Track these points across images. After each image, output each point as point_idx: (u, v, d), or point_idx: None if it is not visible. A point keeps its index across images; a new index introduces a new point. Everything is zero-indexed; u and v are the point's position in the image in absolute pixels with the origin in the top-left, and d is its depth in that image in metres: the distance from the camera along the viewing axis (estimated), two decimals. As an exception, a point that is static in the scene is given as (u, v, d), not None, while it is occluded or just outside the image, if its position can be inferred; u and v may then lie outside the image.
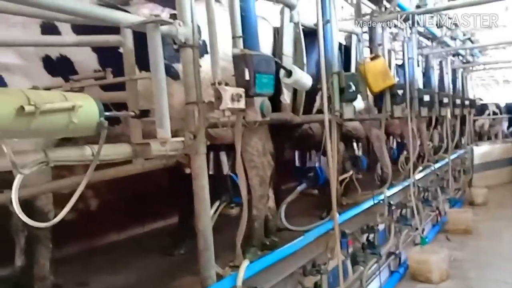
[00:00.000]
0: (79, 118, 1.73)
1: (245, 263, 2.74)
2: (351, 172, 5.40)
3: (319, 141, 4.84)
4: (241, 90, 2.41)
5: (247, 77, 2.45)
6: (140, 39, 2.45)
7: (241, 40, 2.64)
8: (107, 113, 1.89)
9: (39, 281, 2.75)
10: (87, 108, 1.78)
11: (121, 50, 2.72)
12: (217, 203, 3.39)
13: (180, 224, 4.14)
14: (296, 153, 5.15)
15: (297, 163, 5.14)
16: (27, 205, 2.72)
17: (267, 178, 3.63)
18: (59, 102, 1.64)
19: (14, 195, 1.60)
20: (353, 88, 3.68)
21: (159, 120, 2.12)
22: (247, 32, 2.72)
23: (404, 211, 6.14)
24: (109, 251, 4.14)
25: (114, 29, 2.52)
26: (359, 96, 3.97)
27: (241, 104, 2.40)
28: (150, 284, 3.18)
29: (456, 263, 6.41)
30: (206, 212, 2.57)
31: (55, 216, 2.40)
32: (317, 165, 4.92)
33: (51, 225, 1.84)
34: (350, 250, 4.23)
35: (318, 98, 4.32)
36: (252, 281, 2.88)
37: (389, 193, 5.39)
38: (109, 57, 2.72)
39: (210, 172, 3.59)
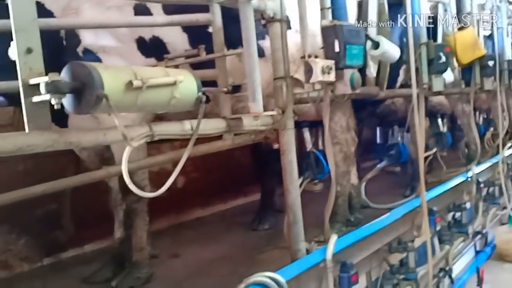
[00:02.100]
0: (181, 93, 1.78)
1: (334, 237, 2.74)
2: (435, 150, 5.21)
3: (402, 117, 4.70)
4: (331, 62, 2.38)
5: (337, 48, 2.40)
6: (226, 18, 2.49)
7: (329, 11, 2.60)
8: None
9: (137, 251, 2.90)
10: (187, 83, 1.83)
11: (209, 29, 2.77)
12: (300, 180, 3.40)
13: (263, 201, 4.21)
14: (378, 129, 5.04)
15: (378, 140, 5.04)
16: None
17: (351, 154, 3.58)
18: (163, 77, 1.71)
19: (124, 166, 1.68)
20: (443, 59, 3.50)
21: (252, 94, 2.15)
22: (335, 3, 2.67)
23: (491, 189, 5.85)
24: (196, 226, 4.31)
25: (202, 9, 2.57)
26: (448, 69, 3.77)
27: (331, 77, 2.37)
28: (239, 257, 3.26)
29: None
30: (295, 187, 2.58)
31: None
32: (400, 142, 4.78)
33: (155, 196, 1.91)
34: (438, 228, 4.11)
35: (401, 71, 4.17)
36: (339, 256, 2.87)
37: (477, 170, 5.13)
38: (198, 37, 2.77)
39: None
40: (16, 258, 3.41)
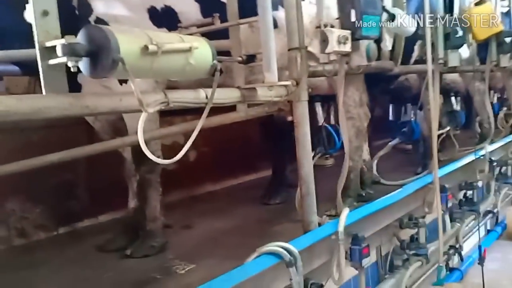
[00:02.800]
0: (195, 60, 1.78)
1: (346, 210, 2.75)
2: (448, 128, 5.16)
3: (415, 94, 4.66)
4: (347, 32, 2.35)
5: (353, 18, 2.37)
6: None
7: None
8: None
9: (151, 221, 2.93)
10: (202, 50, 1.82)
11: (222, -1, 2.75)
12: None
13: (275, 175, 4.21)
14: (390, 107, 4.99)
15: (390, 117, 5.00)
16: (139, 151, 2.91)
17: (364, 130, 3.57)
18: (178, 43, 1.70)
19: (140, 133, 1.68)
20: (460, 33, 3.44)
21: (267, 64, 2.14)
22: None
23: (504, 168, 5.80)
24: (207, 200, 4.34)
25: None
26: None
27: (347, 47, 2.34)
28: (251, 229, 3.29)
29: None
30: (308, 159, 2.59)
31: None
32: (412, 119, 4.75)
33: (169, 163, 1.93)
34: (449, 205, 4.10)
35: (416, 47, 4.12)
36: (350, 229, 2.89)
37: (490, 148, 5.09)
38: (210, 7, 2.76)
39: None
40: (32, 226, 3.47)
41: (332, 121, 3.59)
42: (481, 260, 4.39)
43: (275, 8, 2.88)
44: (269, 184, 4.18)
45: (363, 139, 3.60)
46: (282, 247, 2.27)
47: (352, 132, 3.44)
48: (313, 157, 3.39)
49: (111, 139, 2.95)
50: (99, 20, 2.65)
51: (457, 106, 5.54)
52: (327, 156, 3.52)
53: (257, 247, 2.36)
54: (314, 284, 2.58)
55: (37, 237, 3.48)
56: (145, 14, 2.78)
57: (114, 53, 1.48)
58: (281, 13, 2.80)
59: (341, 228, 2.67)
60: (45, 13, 1.49)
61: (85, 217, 3.74)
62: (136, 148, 2.91)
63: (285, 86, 2.37)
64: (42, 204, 3.52)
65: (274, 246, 2.27)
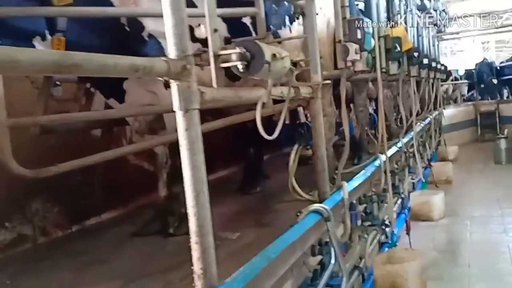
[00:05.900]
0: (286, 64, 2.48)
1: (345, 183, 3.59)
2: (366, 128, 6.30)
3: (349, 98, 5.71)
4: (358, 46, 3.19)
5: (359, 36, 3.23)
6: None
7: (348, 8, 3.41)
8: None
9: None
10: (287, 58, 2.53)
11: (243, 20, 3.44)
12: (296, 146, 4.17)
13: (251, 167, 4.86)
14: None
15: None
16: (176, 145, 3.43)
17: (333, 124, 4.45)
18: (284, 52, 2.39)
19: (258, 113, 2.30)
20: (398, 48, 4.52)
21: (314, 68, 2.88)
22: (351, 3, 3.50)
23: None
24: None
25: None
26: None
27: (358, 57, 3.19)
28: (258, 209, 3.90)
29: (447, 205, 7.64)
30: (323, 143, 3.36)
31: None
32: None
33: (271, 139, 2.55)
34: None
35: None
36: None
37: (405, 141, 6.33)
38: (235, 27, 3.43)
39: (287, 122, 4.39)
40: (52, 225, 3.72)
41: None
42: (408, 229, 5.53)
43: (280, 27, 3.65)
44: (247, 175, 4.83)
45: (333, 132, 4.48)
46: (322, 207, 3.01)
47: (326, 126, 4.29)
48: (298, 148, 4.18)
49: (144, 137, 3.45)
50: (150, 36, 3.17)
51: (371, 110, 6.76)
52: (308, 147, 4.29)
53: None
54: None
55: (55, 235, 3.72)
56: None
57: (264, 59, 2.13)
58: (284, 32, 3.58)
59: (346, 195, 3.49)
60: (215, 30, 2.08)
61: (91, 215, 4.05)
62: (173, 143, 3.43)
63: (311, 86, 3.13)
64: (59, 203, 3.78)
65: (316, 206, 3.00)
